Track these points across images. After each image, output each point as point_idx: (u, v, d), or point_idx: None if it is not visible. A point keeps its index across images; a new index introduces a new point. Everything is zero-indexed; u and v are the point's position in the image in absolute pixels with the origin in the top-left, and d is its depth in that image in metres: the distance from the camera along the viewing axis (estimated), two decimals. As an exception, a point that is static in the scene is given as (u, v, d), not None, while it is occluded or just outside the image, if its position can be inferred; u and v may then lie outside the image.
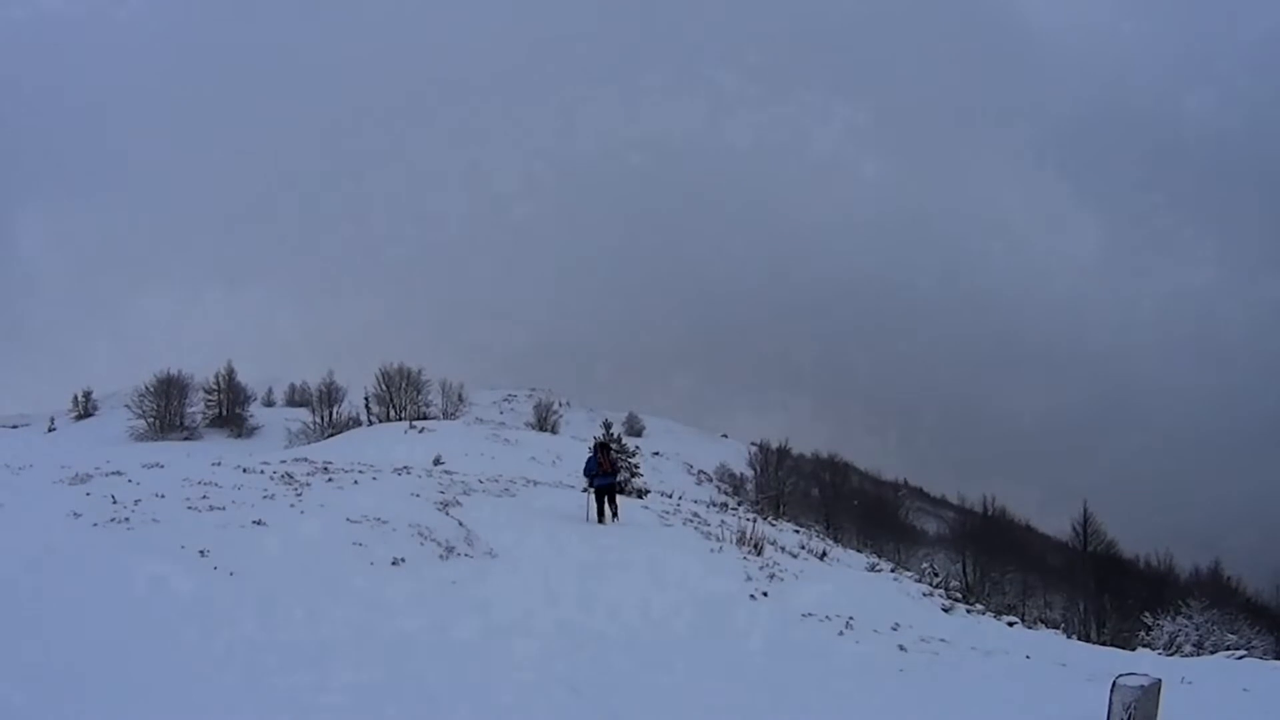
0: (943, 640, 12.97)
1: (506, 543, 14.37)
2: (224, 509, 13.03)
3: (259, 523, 12.47)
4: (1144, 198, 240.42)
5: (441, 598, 11.06)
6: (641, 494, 28.37)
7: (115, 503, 12.39)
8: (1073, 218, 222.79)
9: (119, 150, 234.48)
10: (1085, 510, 43.19)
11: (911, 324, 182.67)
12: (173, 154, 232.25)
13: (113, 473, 15.27)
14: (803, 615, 12.98)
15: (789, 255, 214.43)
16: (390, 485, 18.09)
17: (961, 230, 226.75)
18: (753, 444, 60.36)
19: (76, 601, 8.49)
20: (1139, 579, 42.60)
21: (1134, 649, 20.18)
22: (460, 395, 63.94)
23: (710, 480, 55.68)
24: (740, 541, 17.55)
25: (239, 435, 62.09)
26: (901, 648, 12.10)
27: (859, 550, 37.11)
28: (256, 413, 68.64)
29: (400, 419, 54.55)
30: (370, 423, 56.54)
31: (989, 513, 52.66)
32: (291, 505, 14.27)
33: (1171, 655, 18.29)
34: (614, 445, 29.11)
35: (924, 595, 18.48)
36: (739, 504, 42.43)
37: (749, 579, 14.50)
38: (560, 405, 72.46)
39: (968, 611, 17.77)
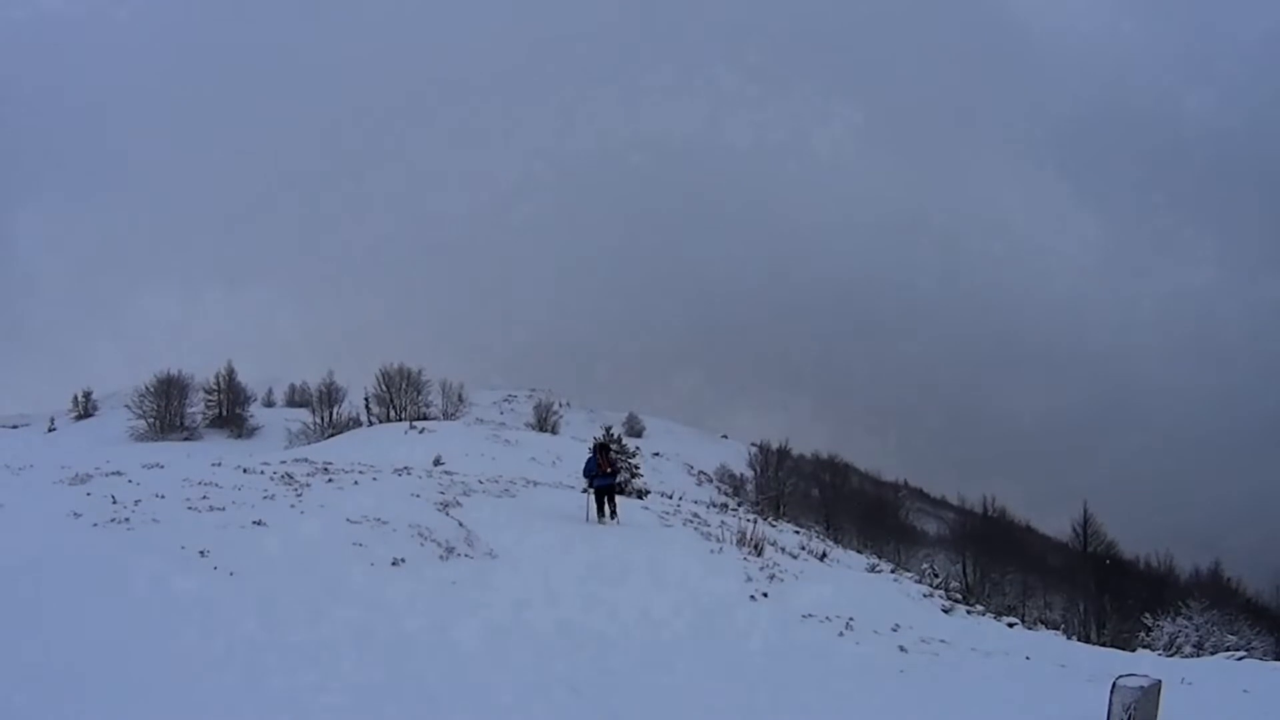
0: (943, 641, 12.98)
1: (507, 543, 14.37)
2: (224, 509, 13.03)
3: (259, 523, 12.47)
4: (1144, 198, 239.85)
5: (441, 598, 11.06)
6: (641, 494, 28.38)
7: (115, 503, 12.39)
8: (1073, 218, 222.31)
9: (119, 150, 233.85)
10: (1085, 511, 43.23)
11: (911, 324, 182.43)
12: (173, 154, 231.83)
13: (113, 473, 15.28)
14: (803, 616, 12.98)
15: (789, 255, 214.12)
16: (390, 486, 18.09)
17: (961, 230, 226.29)
18: (753, 444, 60.34)
19: (77, 602, 8.49)
20: (1139, 580, 42.58)
21: (1134, 650, 20.18)
22: (460, 396, 63.90)
23: (710, 481, 55.66)
24: (740, 542, 17.55)
25: (239, 436, 62.04)
26: (902, 648, 12.10)
27: (859, 551, 37.15)
28: (256, 413, 68.60)
29: (400, 419, 54.53)
30: (370, 423, 56.51)
31: (989, 513, 52.67)
32: (292, 506, 14.27)
33: (1171, 656, 18.31)
34: (614, 446, 29.11)
35: (924, 596, 18.49)
36: (739, 505, 42.43)
37: (749, 580, 14.51)
38: (560, 406, 72.44)
39: (968, 612, 17.79)
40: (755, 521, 22.64)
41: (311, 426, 58.70)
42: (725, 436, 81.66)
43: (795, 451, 59.32)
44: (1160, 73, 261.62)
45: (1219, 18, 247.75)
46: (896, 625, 13.44)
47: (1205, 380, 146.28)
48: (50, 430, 62.34)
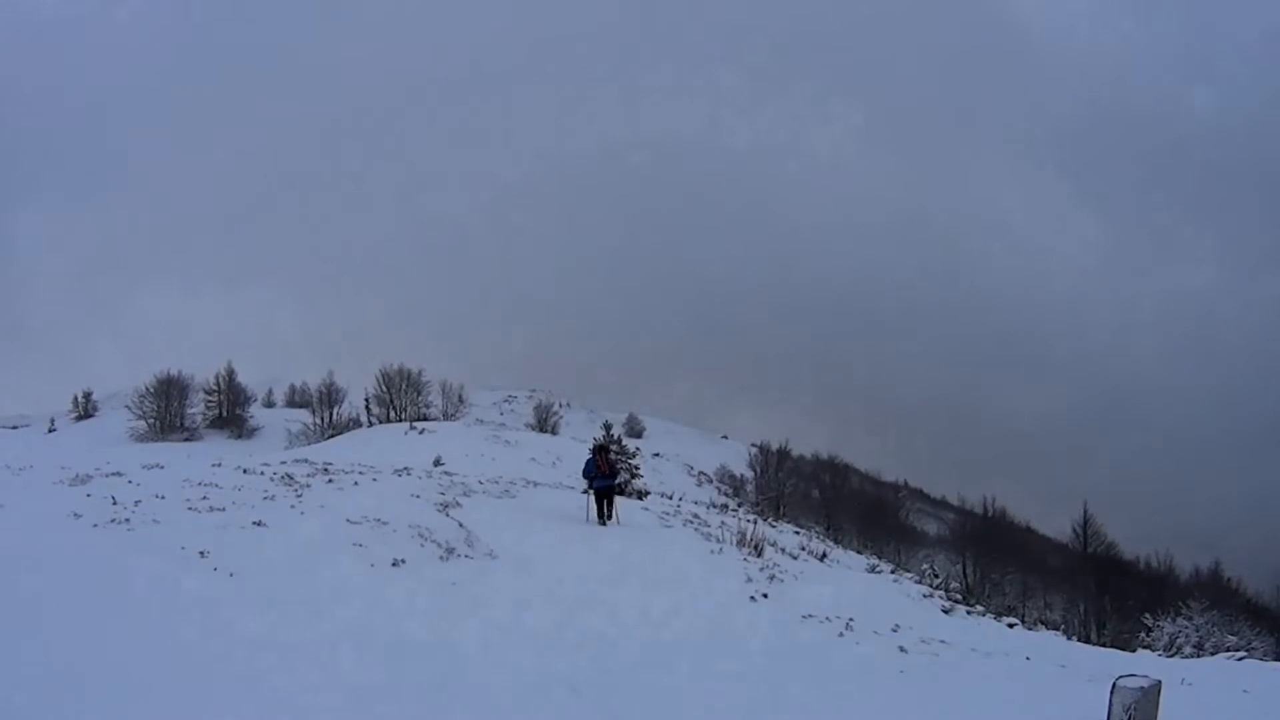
0: (943, 641, 12.99)
1: (507, 544, 14.37)
2: (224, 510, 13.03)
3: (259, 524, 12.48)
4: (1144, 197, 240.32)
5: (442, 599, 11.06)
6: (642, 495, 28.37)
7: (115, 504, 12.39)
8: (1073, 218, 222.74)
9: (119, 150, 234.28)
10: (1085, 511, 43.21)
11: (911, 324, 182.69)
12: (173, 154, 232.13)
13: (113, 474, 15.28)
14: (803, 616, 12.98)
15: (789, 255, 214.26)
16: (390, 486, 18.09)
17: (961, 230, 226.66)
18: (753, 445, 60.32)
19: (77, 602, 8.49)
20: (1139, 580, 42.58)
21: (1134, 650, 20.19)
22: (460, 396, 63.88)
23: (710, 481, 55.65)
24: (740, 543, 17.55)
25: (239, 436, 62.00)
26: (902, 649, 12.10)
27: (859, 551, 37.16)
28: (256, 414, 68.57)
29: (400, 420, 54.54)
30: (370, 424, 56.51)
31: (989, 514, 52.61)
32: (292, 506, 14.27)
33: (1172, 656, 18.32)
34: (614, 447, 29.09)
35: (924, 596, 18.50)
36: (739, 505, 42.43)
37: (749, 580, 14.51)
38: (560, 406, 72.47)
39: (968, 613, 17.79)
40: (755, 522, 22.64)
41: (311, 427, 58.67)
42: (725, 437, 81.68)
43: (795, 452, 59.36)
44: (1160, 73, 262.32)
45: (1219, 18, 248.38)
46: (896, 626, 13.44)
47: (1205, 380, 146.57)
48: (50, 431, 62.32)
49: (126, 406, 60.95)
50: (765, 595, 13.85)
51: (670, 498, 31.37)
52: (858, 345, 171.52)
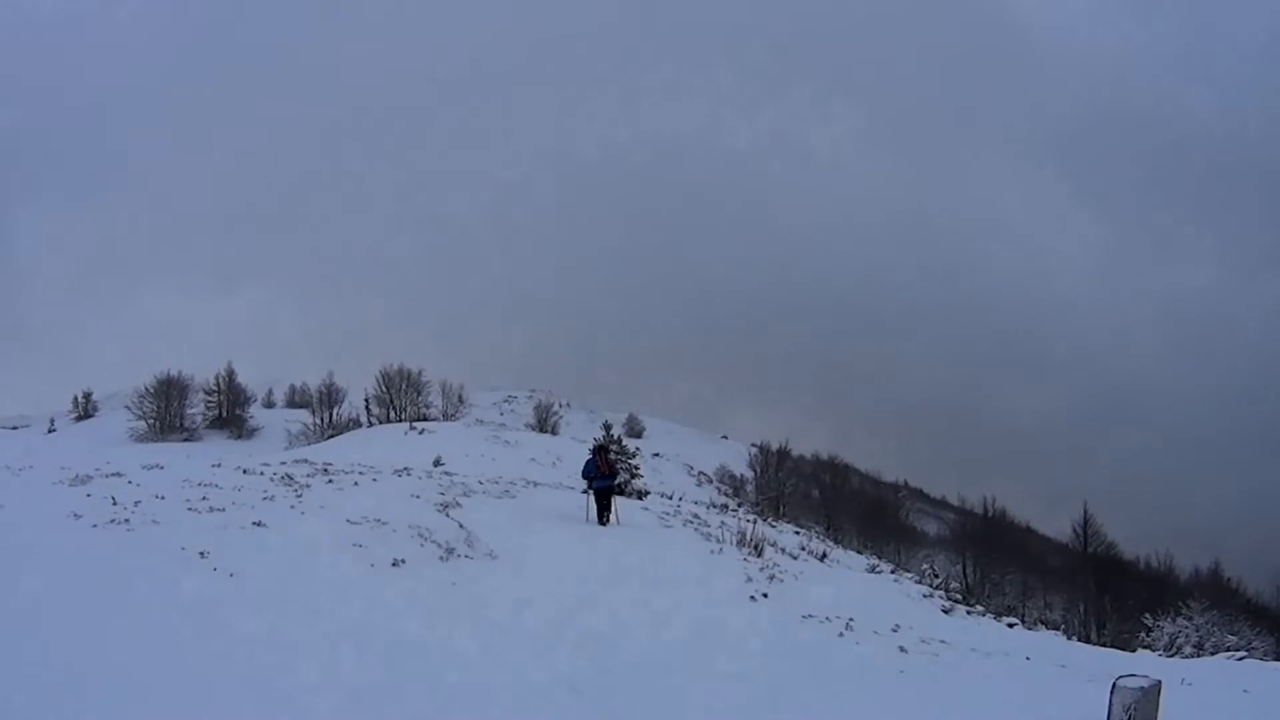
0: (943, 641, 12.98)
1: (506, 544, 14.37)
2: (224, 510, 13.03)
3: (259, 524, 12.47)
4: (1144, 197, 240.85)
5: (441, 599, 11.06)
6: (641, 495, 28.37)
7: (115, 504, 12.39)
8: (1073, 218, 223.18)
9: (119, 150, 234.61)
10: (1085, 511, 43.18)
11: (911, 324, 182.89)
12: (173, 154, 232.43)
13: (113, 474, 15.27)
14: (803, 617, 12.98)
15: (789, 255, 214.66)
16: (390, 487, 18.09)
17: (961, 230, 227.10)
18: (753, 445, 60.37)
19: (77, 602, 8.48)
20: (1139, 580, 42.57)
21: (1134, 650, 20.19)
22: (460, 396, 63.89)
23: (710, 481, 55.65)
24: (740, 543, 17.55)
25: (239, 436, 62.02)
26: (902, 649, 12.10)
27: (859, 551, 37.15)
28: (256, 414, 68.61)
29: (400, 420, 54.54)
30: (370, 424, 56.52)
31: (989, 514, 52.62)
32: (291, 507, 14.27)
33: (1172, 656, 18.32)
34: (613, 447, 29.09)
35: (924, 596, 18.49)
36: (739, 505, 42.42)
37: (749, 580, 14.51)
38: (560, 406, 72.48)
39: (968, 613, 17.79)
40: (755, 522, 22.65)
41: (311, 427, 58.70)
42: (725, 437, 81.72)
43: (795, 452, 59.42)
44: (1160, 73, 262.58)
45: (1219, 18, 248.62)
46: (896, 626, 13.44)
47: (1205, 380, 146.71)
48: (50, 431, 62.35)
49: (126, 407, 60.98)
50: (765, 595, 13.84)
51: (670, 498, 31.38)
52: (858, 345, 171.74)
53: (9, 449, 32.29)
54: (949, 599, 19.49)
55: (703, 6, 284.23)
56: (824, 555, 22.32)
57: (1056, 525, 53.53)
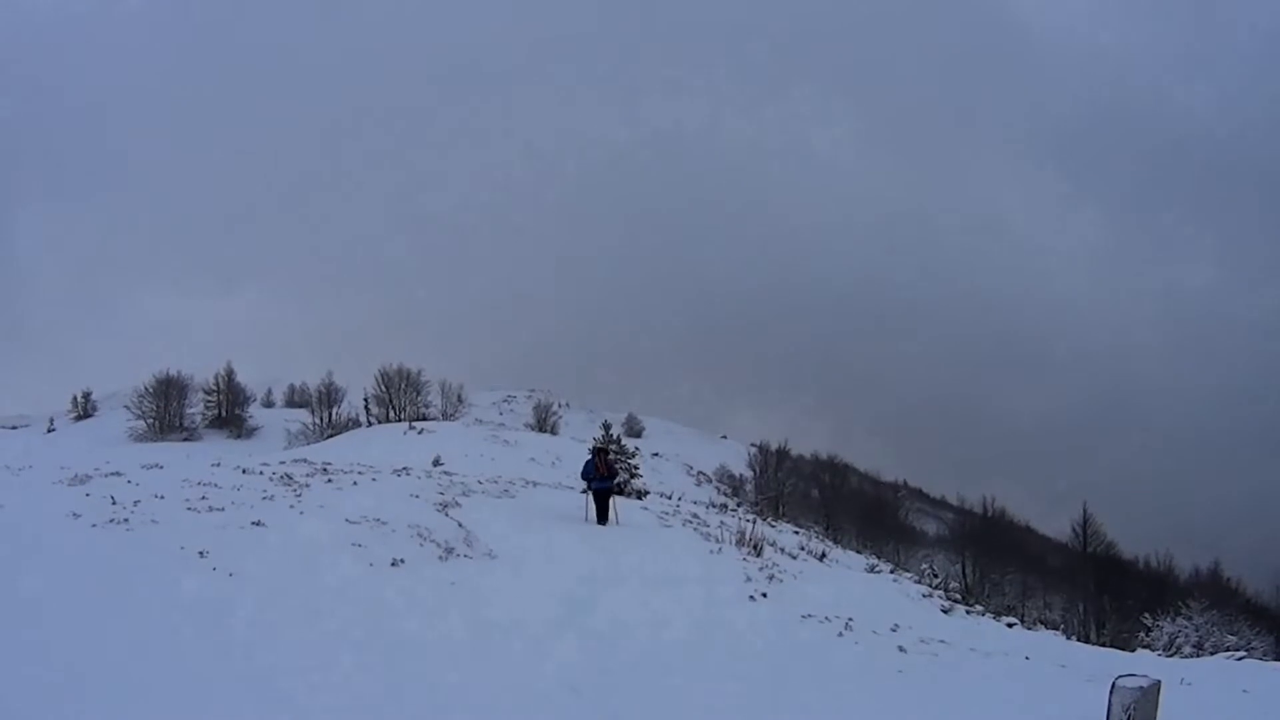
0: (942, 641, 12.98)
1: (506, 544, 14.36)
2: (223, 510, 13.02)
3: (258, 524, 12.47)
4: (1144, 197, 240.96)
5: (441, 599, 11.05)
6: (641, 495, 28.37)
7: (115, 504, 12.38)
8: (1072, 217, 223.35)
9: (119, 150, 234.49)
10: (1085, 511, 43.20)
11: (911, 324, 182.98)
12: (173, 154, 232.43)
13: (112, 474, 15.26)
14: (802, 616, 12.98)
15: (789, 255, 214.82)
16: (389, 486, 18.08)
17: (961, 230, 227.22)
18: (752, 445, 60.44)
19: (76, 602, 8.48)
20: (1139, 580, 42.58)
21: (1134, 650, 20.19)
22: (460, 396, 63.90)
23: (710, 481, 55.68)
24: (740, 542, 17.55)
25: (238, 436, 62.04)
26: (901, 649, 12.10)
27: (858, 551, 37.19)
28: (256, 414, 68.61)
29: (400, 420, 54.53)
30: (370, 424, 56.49)
31: (988, 514, 52.66)
32: (291, 506, 14.26)
33: (1171, 656, 18.33)
34: (613, 447, 29.09)
35: (923, 596, 18.50)
36: (738, 505, 42.43)
37: (748, 580, 14.50)
38: (560, 406, 72.50)
39: (967, 613, 17.79)
40: (754, 522, 22.64)
41: (311, 427, 58.71)
42: (725, 437, 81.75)
43: (794, 452, 59.54)
44: (1160, 73, 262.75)
45: (1219, 18, 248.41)
46: (896, 625, 13.44)
47: (1205, 380, 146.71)
48: (50, 431, 62.37)
49: (126, 406, 61.00)
50: (764, 595, 13.84)
51: (669, 497, 31.38)
52: (858, 345, 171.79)
53: (8, 449, 32.30)
54: (948, 599, 19.50)
55: (703, 6, 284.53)
56: (823, 555, 22.33)
57: (1056, 525, 53.60)
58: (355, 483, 17.80)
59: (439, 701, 7.70)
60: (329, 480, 17.78)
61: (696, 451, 65.87)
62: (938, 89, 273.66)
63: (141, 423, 60.08)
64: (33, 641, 7.36)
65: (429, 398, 62.39)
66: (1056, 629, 25.95)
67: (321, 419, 61.23)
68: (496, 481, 22.57)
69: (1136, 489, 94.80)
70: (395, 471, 21.42)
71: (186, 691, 6.93)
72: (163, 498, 13.19)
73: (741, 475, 56.10)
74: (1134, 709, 6.62)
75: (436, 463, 28.90)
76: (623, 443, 35.64)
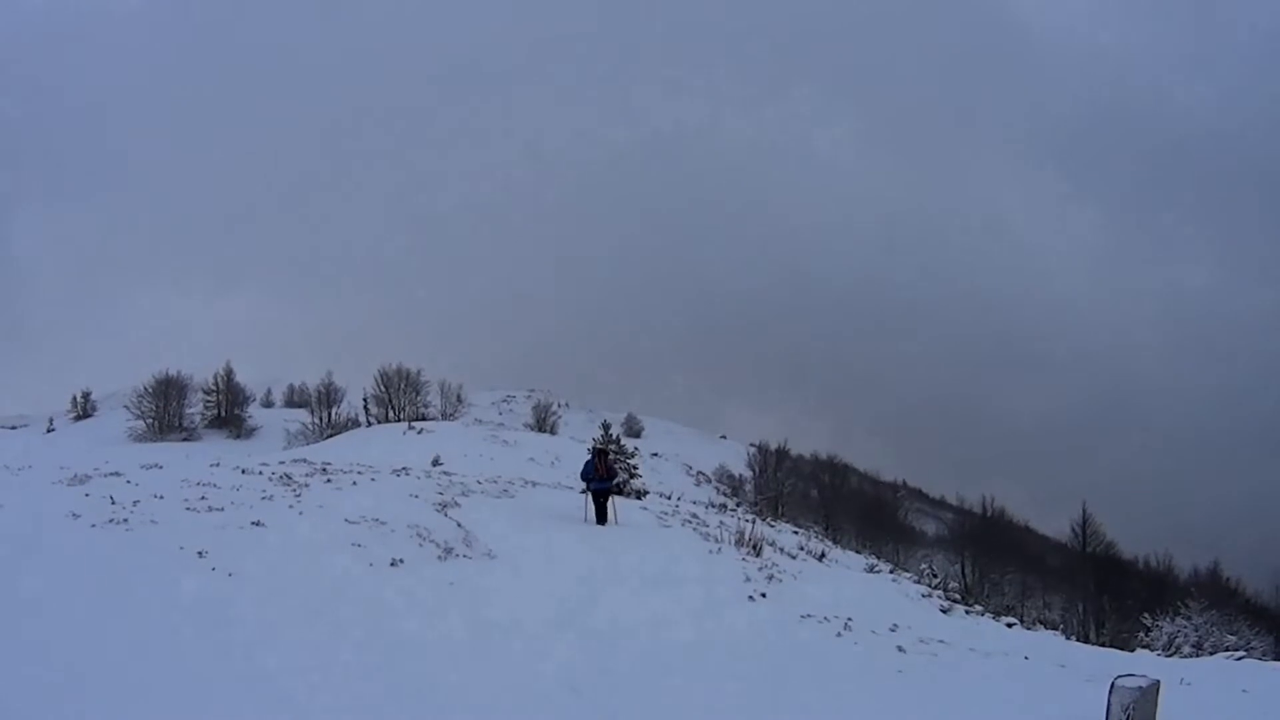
0: (941, 641, 12.99)
1: (505, 544, 14.36)
2: (223, 510, 13.02)
3: (257, 524, 12.47)
4: (1144, 197, 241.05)
5: (440, 599, 11.05)
6: (640, 495, 28.37)
7: (114, 504, 12.38)
8: (1073, 218, 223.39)
9: (119, 150, 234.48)
10: (1084, 511, 43.18)
11: (911, 324, 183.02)
12: (173, 154, 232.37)
13: (111, 474, 15.26)
14: (801, 616, 12.98)
15: (789, 255, 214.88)
16: (389, 486, 18.08)
17: (961, 230, 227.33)
18: (751, 445, 60.38)
19: (76, 602, 8.48)
20: (1138, 580, 42.58)
21: (1133, 650, 20.20)
22: (459, 396, 63.82)
23: (709, 481, 55.67)
24: (739, 542, 17.55)
25: (238, 436, 61.99)
26: (900, 649, 12.10)
27: (858, 551, 37.18)
28: (255, 413, 68.56)
29: (399, 420, 54.48)
30: (369, 424, 56.42)
31: (988, 513, 52.64)
32: (290, 506, 14.26)
33: (1170, 656, 18.32)
34: (612, 447, 29.08)
35: (923, 596, 18.52)
36: (738, 505, 42.44)
37: (747, 580, 14.51)
38: (559, 406, 72.41)
39: (966, 612, 17.80)
40: (754, 522, 22.65)
41: (310, 427, 58.64)
42: (724, 437, 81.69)
43: (794, 452, 59.51)
44: (1160, 73, 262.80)
45: (1219, 18, 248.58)
46: (895, 625, 13.44)
47: (1205, 380, 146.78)
48: (49, 431, 62.29)
49: (125, 406, 60.90)
50: (764, 595, 13.85)
51: (669, 497, 31.37)
52: (858, 345, 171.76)
53: (8, 449, 32.28)
54: (947, 599, 19.50)
55: (703, 6, 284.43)
56: (822, 555, 22.33)
57: (1055, 525, 53.51)
58: (355, 483, 17.80)
59: (439, 701, 7.70)
60: (328, 480, 17.78)
61: (696, 451, 65.84)
62: (938, 89, 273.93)
63: (141, 423, 60.03)
64: (33, 641, 7.36)
65: (428, 398, 62.34)
66: (1056, 629, 25.96)
67: (321, 419, 61.16)
68: (496, 481, 22.57)
69: (1136, 489, 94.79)
70: (394, 471, 21.42)
71: (186, 691, 6.93)
72: (162, 498, 13.19)
73: (741, 475, 56.09)
74: (1133, 709, 6.64)
75: (436, 463, 28.90)
76: (622, 442, 35.62)
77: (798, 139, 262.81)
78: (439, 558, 12.78)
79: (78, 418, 68.13)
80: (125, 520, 11.66)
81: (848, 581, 18.25)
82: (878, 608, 14.81)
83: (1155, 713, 6.90)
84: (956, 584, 36.83)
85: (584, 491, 18.83)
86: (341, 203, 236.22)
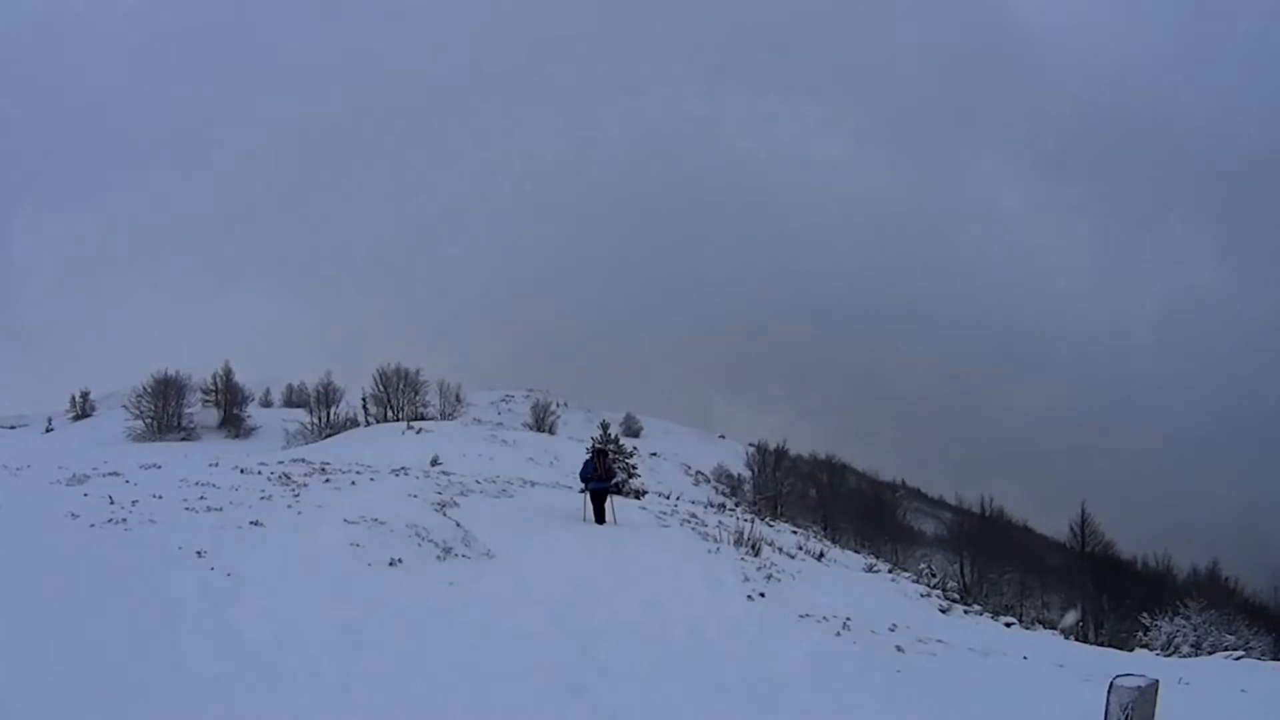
0: (940, 641, 12.99)
1: (504, 543, 14.36)
2: (221, 510, 13.02)
3: (256, 524, 12.47)
4: (1143, 197, 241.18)
5: (439, 598, 11.05)
6: (639, 494, 28.37)
7: (113, 503, 12.38)
8: (1072, 217, 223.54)
9: (119, 150, 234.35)
10: (1083, 511, 43.15)
11: (911, 324, 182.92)
12: (173, 154, 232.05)
13: (110, 473, 15.25)
14: (800, 616, 12.99)
15: (789, 255, 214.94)
16: (388, 486, 18.08)
17: (961, 230, 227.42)
18: (750, 444, 60.38)
19: (75, 602, 8.48)
20: (1137, 579, 42.60)
21: (1132, 649, 20.23)
22: (458, 396, 63.76)
23: (708, 481, 55.68)
24: (738, 542, 17.56)
25: (237, 436, 61.95)
26: (899, 648, 12.11)
27: (856, 551, 37.16)
28: (254, 413, 68.52)
29: (398, 419, 54.45)
30: (368, 423, 56.39)
31: (987, 513, 52.63)
32: (289, 506, 14.26)
33: (1169, 656, 18.34)
34: (611, 447, 29.09)
35: (921, 596, 18.54)
36: (736, 505, 42.45)
37: (746, 579, 14.51)
38: (558, 406, 72.34)
39: (965, 612, 17.83)
40: (753, 521, 22.67)
41: (309, 427, 58.58)
42: (723, 436, 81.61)
43: (793, 451, 59.44)
44: (1160, 73, 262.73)
45: (1219, 18, 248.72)
46: (894, 625, 13.46)
47: (1205, 380, 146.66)
48: (48, 430, 62.23)
49: (124, 406, 60.80)
50: (762, 594, 13.85)
51: (667, 497, 31.37)
52: (858, 345, 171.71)
53: (7, 448, 32.21)
54: (946, 598, 19.53)
55: (703, 6, 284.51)
56: (821, 554, 22.34)
57: (1054, 525, 53.46)
58: (353, 482, 17.80)
59: (438, 701, 7.70)
60: (327, 480, 17.78)
61: (694, 451, 65.85)
62: (938, 89, 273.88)
63: (139, 422, 59.99)
64: (32, 641, 7.36)
65: (427, 397, 62.30)
66: (1054, 628, 25.96)
67: (320, 419, 61.09)
68: (495, 481, 22.57)
69: (1135, 489, 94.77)
70: (393, 471, 21.42)
71: (186, 691, 6.93)
72: (161, 498, 13.19)
73: (739, 475, 56.09)
74: (1132, 708, 6.63)
75: (434, 462, 28.89)
76: (620, 442, 35.64)
77: (797, 139, 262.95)
78: (438, 557, 12.78)
79: (76, 417, 68.08)
80: (124, 520, 11.66)
81: (846, 581, 18.27)
82: (876, 607, 14.82)
83: (1154, 712, 6.90)
84: (955, 584, 36.83)
85: (583, 491, 18.83)
86: (341, 203, 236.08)
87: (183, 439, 58.51)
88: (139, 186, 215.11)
